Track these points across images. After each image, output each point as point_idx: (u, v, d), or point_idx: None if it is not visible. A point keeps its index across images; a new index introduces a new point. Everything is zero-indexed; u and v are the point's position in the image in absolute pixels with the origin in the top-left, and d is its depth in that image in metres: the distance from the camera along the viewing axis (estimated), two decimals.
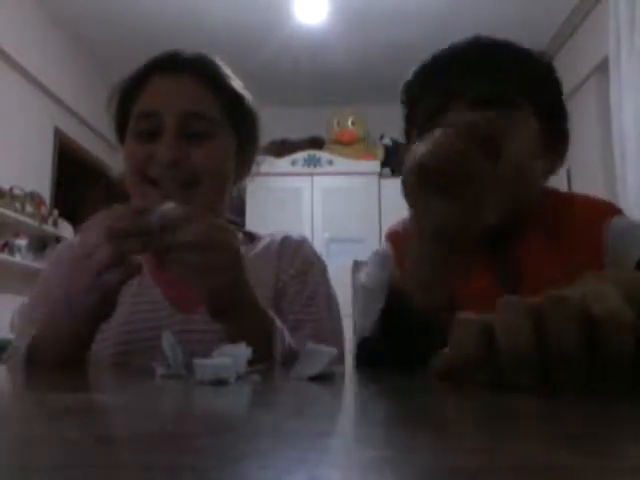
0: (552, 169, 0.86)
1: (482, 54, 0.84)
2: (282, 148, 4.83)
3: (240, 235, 1.01)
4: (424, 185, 0.59)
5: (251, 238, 1.02)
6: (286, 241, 0.98)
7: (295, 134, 4.98)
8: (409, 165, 0.60)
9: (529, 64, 0.85)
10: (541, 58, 0.87)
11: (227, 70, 0.95)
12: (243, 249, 0.96)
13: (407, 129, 0.91)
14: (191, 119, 0.88)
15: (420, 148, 0.60)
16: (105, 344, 0.85)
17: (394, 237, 0.91)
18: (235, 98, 0.94)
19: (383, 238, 0.95)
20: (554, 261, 0.80)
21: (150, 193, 0.87)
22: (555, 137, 0.85)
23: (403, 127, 0.91)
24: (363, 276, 0.92)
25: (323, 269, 0.98)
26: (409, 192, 0.61)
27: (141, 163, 0.88)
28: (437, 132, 0.61)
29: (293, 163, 4.75)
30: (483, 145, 0.58)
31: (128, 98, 0.93)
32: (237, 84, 0.96)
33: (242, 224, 4.74)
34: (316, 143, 4.96)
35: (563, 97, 0.88)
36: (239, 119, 0.94)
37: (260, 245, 0.98)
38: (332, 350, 0.51)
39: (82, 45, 4.25)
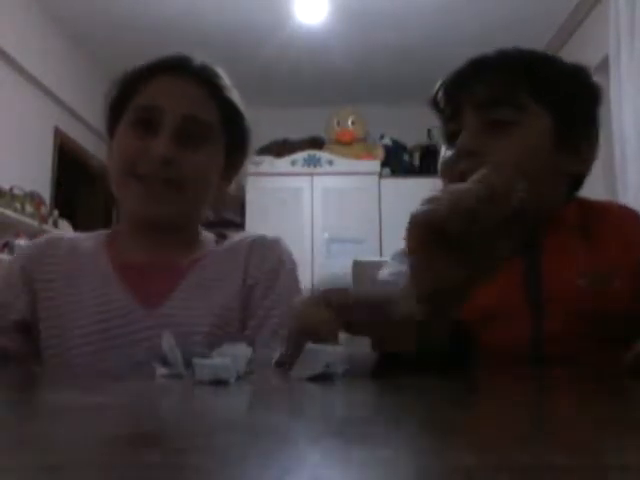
0: (575, 172, 0.86)
1: (498, 58, 0.86)
2: (282, 148, 4.83)
3: (210, 235, 1.01)
4: (431, 242, 0.56)
5: (222, 237, 1.03)
6: (259, 240, 0.98)
7: (295, 134, 4.98)
8: (418, 217, 0.57)
9: (551, 72, 0.86)
10: (574, 67, 0.87)
11: (228, 82, 0.97)
12: (212, 246, 0.98)
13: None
14: (190, 122, 0.89)
15: (430, 201, 0.58)
16: (80, 343, 0.84)
17: None
18: (234, 111, 0.96)
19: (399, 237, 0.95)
20: (582, 260, 0.81)
21: (136, 188, 0.87)
22: (579, 142, 0.85)
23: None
24: (383, 272, 0.92)
25: (293, 269, 0.98)
26: (413, 247, 0.58)
27: (132, 156, 0.87)
28: (452, 187, 0.59)
29: (293, 163, 4.74)
30: (496, 200, 0.56)
31: (129, 91, 0.93)
32: (236, 97, 0.97)
33: (242, 224, 4.74)
34: (316, 143, 4.96)
35: (597, 104, 0.87)
36: (234, 132, 0.96)
37: (232, 240, 0.99)
38: (331, 350, 0.51)
39: (82, 45, 4.25)
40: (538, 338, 0.79)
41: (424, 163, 4.84)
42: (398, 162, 4.82)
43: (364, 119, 4.87)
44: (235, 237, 1.01)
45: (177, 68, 0.93)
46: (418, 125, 4.77)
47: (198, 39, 3.92)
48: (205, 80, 0.93)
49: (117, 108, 0.93)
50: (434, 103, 0.91)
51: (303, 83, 4.72)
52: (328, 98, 4.88)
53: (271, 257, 0.95)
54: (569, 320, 0.78)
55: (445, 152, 0.88)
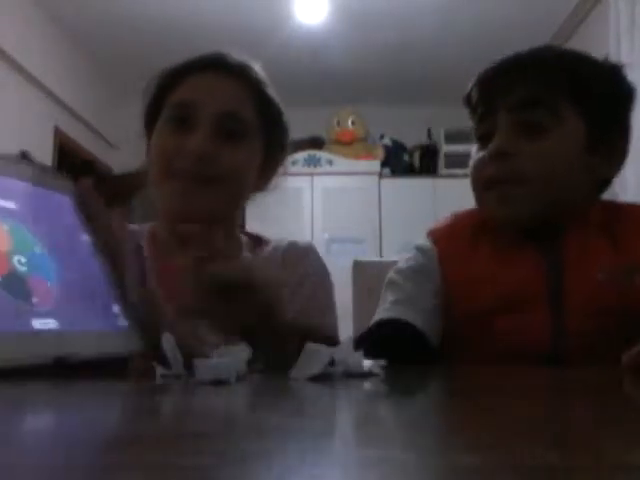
0: (604, 175, 0.86)
1: (534, 58, 0.85)
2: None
3: (245, 239, 0.99)
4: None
5: (257, 242, 1.00)
6: (289, 252, 0.96)
7: (295, 134, 4.97)
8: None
9: (585, 74, 0.84)
10: (608, 65, 0.86)
11: (266, 79, 0.96)
12: (249, 256, 0.94)
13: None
14: (227, 119, 0.87)
15: None
16: None
17: (437, 235, 0.92)
18: (272, 108, 0.94)
19: (426, 235, 0.94)
20: (604, 257, 0.80)
21: (172, 185, 0.86)
22: (609, 146, 0.84)
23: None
24: (398, 265, 0.92)
25: (319, 280, 0.95)
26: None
27: (169, 153, 0.86)
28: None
29: (293, 163, 4.74)
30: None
31: (164, 90, 0.92)
32: (274, 94, 0.96)
33: (242, 224, 4.72)
34: (316, 143, 4.96)
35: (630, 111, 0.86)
36: (272, 130, 0.94)
37: (266, 251, 0.96)
38: (332, 350, 0.51)
39: (82, 45, 4.25)
40: (558, 333, 0.79)
41: (424, 163, 4.84)
42: (398, 162, 4.81)
43: (364, 119, 4.87)
44: (270, 244, 0.98)
45: (214, 65, 0.92)
46: (418, 125, 4.78)
47: (198, 39, 3.91)
48: (242, 77, 0.91)
49: (154, 106, 0.92)
50: (467, 102, 0.90)
51: (303, 83, 4.72)
52: (328, 98, 4.88)
53: (297, 270, 0.93)
54: (589, 316, 0.77)
55: (476, 153, 0.87)
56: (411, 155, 4.90)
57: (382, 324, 0.83)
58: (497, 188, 0.82)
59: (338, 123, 4.89)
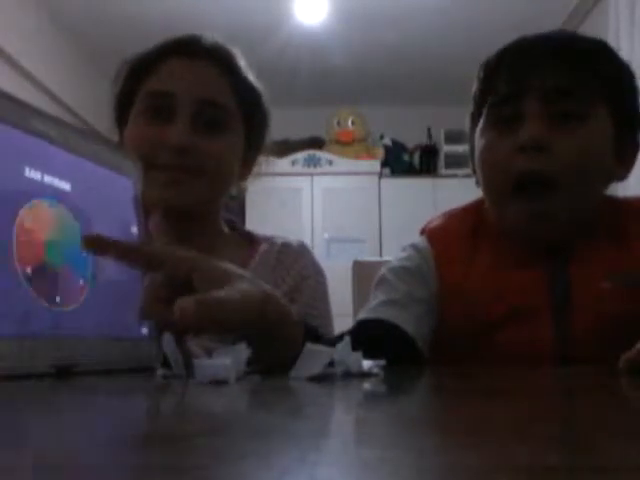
0: (617, 178, 0.81)
1: (568, 45, 0.79)
2: (282, 148, 4.82)
3: (236, 235, 0.96)
4: None
5: (250, 240, 0.97)
6: (283, 253, 0.92)
7: (295, 134, 4.98)
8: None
9: (613, 66, 0.80)
10: (627, 66, 0.82)
11: (243, 62, 0.92)
12: (241, 254, 0.90)
13: (474, 111, 0.83)
14: (207, 107, 0.84)
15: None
16: None
17: (434, 235, 0.87)
18: (251, 92, 0.91)
19: (419, 232, 0.90)
20: (611, 261, 0.77)
21: (154, 180, 0.82)
22: (625, 146, 0.79)
23: (471, 108, 0.84)
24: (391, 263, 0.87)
25: (316, 283, 0.91)
26: None
27: (149, 147, 0.83)
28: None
29: (293, 163, 4.74)
30: None
31: (138, 76, 0.88)
32: (252, 78, 0.92)
33: (242, 224, 4.72)
34: (316, 143, 4.96)
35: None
36: (252, 114, 0.90)
37: (259, 255, 0.92)
38: (332, 350, 0.51)
39: (83, 45, 4.25)
40: (562, 341, 0.75)
41: (424, 163, 4.84)
42: (398, 162, 4.81)
43: (364, 119, 4.87)
44: (263, 243, 0.94)
45: (188, 49, 0.88)
46: (418, 125, 4.77)
47: None
48: (219, 61, 0.88)
49: (126, 96, 0.88)
50: (486, 73, 0.80)
51: (303, 83, 4.71)
52: (328, 98, 4.88)
53: (291, 274, 0.89)
54: (596, 326, 0.74)
55: (489, 139, 0.77)
56: (411, 155, 4.90)
57: (371, 323, 0.79)
58: (529, 192, 0.74)
59: (338, 123, 4.89)
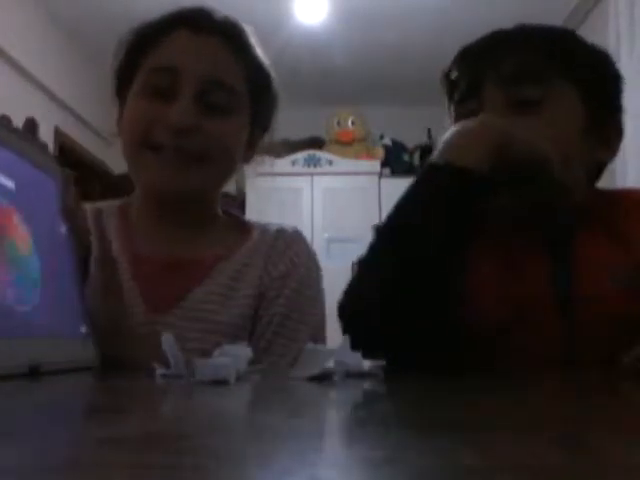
0: (602, 160, 0.81)
1: (523, 33, 0.80)
2: (282, 148, 4.82)
3: (230, 220, 0.91)
4: None
5: (242, 225, 0.91)
6: (277, 239, 0.87)
7: (295, 134, 4.98)
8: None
9: (580, 50, 0.80)
10: (600, 49, 0.82)
11: (255, 40, 0.86)
12: (233, 239, 0.86)
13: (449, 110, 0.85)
14: (212, 86, 0.78)
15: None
16: None
17: None
18: (261, 73, 0.85)
19: None
20: (612, 259, 0.75)
21: (150, 161, 0.77)
22: (607, 128, 0.79)
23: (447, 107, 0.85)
24: None
25: (306, 273, 0.86)
26: None
27: (146, 124, 0.77)
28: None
29: (293, 163, 4.74)
30: None
31: (142, 48, 0.82)
32: (263, 57, 0.86)
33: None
34: (316, 143, 4.96)
35: (621, 92, 0.82)
36: (261, 96, 0.85)
37: (251, 240, 0.87)
38: (331, 350, 0.51)
39: (82, 45, 4.25)
40: (569, 342, 0.74)
41: (424, 163, 4.83)
42: (398, 162, 4.81)
43: (364, 119, 4.87)
44: (255, 230, 0.89)
45: (196, 23, 0.81)
46: (418, 125, 4.77)
47: None
48: (229, 38, 0.82)
49: (127, 70, 0.83)
50: (447, 78, 0.82)
51: (303, 83, 4.71)
52: (328, 98, 4.88)
53: (283, 260, 0.84)
54: (602, 327, 0.73)
55: None
56: (411, 155, 4.90)
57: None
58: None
59: (338, 123, 4.89)
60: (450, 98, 0.82)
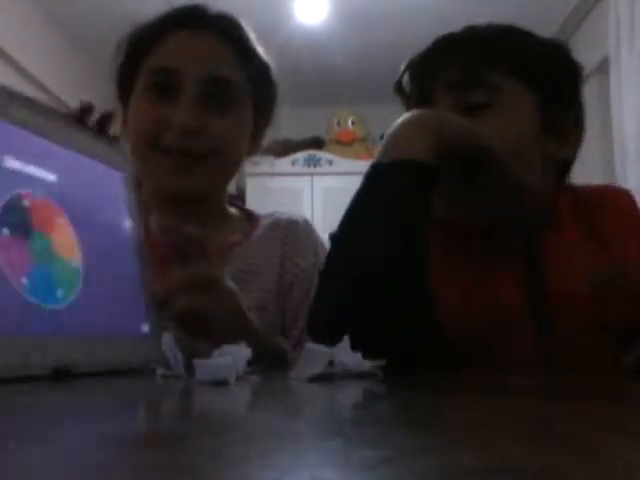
0: (563, 157, 0.79)
1: (468, 36, 0.80)
2: (282, 148, 4.82)
3: (237, 212, 0.93)
4: None
5: (250, 216, 0.93)
6: (292, 227, 0.88)
7: (295, 134, 4.98)
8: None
9: (527, 44, 0.79)
10: (552, 43, 0.81)
11: (252, 34, 0.87)
12: (244, 227, 0.87)
13: None
14: (213, 83, 0.79)
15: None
16: None
17: None
18: (260, 64, 0.86)
19: None
20: (587, 260, 0.73)
21: (161, 162, 0.78)
22: (565, 123, 0.78)
23: None
24: None
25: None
26: None
27: (152, 127, 0.78)
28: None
29: (293, 163, 4.74)
30: None
31: (141, 51, 0.83)
32: (261, 49, 0.87)
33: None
34: (316, 143, 4.96)
35: (578, 83, 0.81)
36: (261, 87, 0.86)
37: (262, 227, 0.89)
38: (332, 350, 0.51)
39: (82, 45, 4.25)
40: (544, 352, 0.71)
41: None
42: None
43: (364, 119, 4.87)
44: (263, 220, 0.90)
45: (192, 21, 0.82)
46: None
47: None
48: (226, 32, 0.83)
49: (128, 73, 0.84)
50: (399, 88, 0.82)
51: (303, 83, 4.71)
52: (328, 98, 4.88)
53: (307, 251, 0.86)
54: (581, 335, 0.70)
55: None
56: None
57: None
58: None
59: (338, 123, 4.89)
60: (406, 106, 0.82)
